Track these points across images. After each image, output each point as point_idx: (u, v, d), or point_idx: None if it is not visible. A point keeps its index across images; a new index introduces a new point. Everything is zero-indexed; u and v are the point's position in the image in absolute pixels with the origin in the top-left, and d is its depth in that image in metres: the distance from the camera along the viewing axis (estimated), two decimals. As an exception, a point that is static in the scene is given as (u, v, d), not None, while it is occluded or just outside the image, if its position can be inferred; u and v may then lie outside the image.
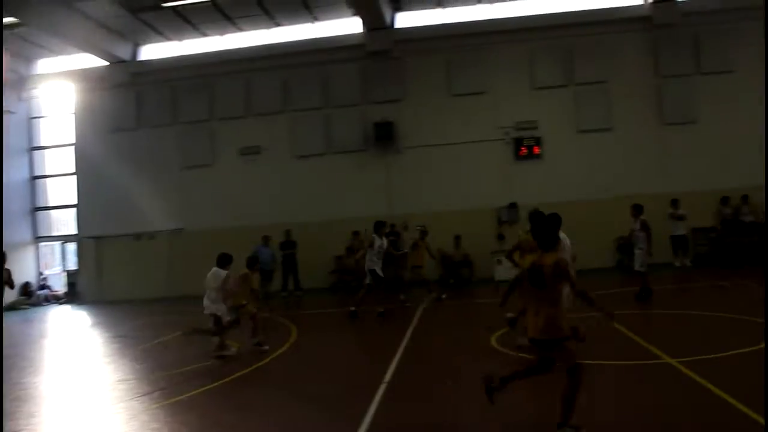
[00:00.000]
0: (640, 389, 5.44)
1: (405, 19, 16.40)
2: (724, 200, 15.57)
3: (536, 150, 15.78)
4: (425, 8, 16.21)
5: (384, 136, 15.95)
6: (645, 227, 10.08)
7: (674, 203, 14.80)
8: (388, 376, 6.25)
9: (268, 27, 16.86)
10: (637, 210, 10.23)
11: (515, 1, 16.01)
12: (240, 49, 16.97)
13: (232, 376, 6.88)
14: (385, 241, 10.69)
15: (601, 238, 15.53)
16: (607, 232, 15.53)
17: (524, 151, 15.77)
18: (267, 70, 16.79)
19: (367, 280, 10.47)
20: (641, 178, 15.62)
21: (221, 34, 17.16)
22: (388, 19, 15.92)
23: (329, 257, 16.33)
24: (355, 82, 16.52)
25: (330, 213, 16.21)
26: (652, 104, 15.92)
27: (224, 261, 8.11)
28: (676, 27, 15.70)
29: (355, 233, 16.06)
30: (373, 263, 10.28)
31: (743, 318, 7.87)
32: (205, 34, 17.18)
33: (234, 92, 17.06)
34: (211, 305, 7.83)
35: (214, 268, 8.11)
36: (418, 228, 12.95)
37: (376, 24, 15.79)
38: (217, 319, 7.86)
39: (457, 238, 15.57)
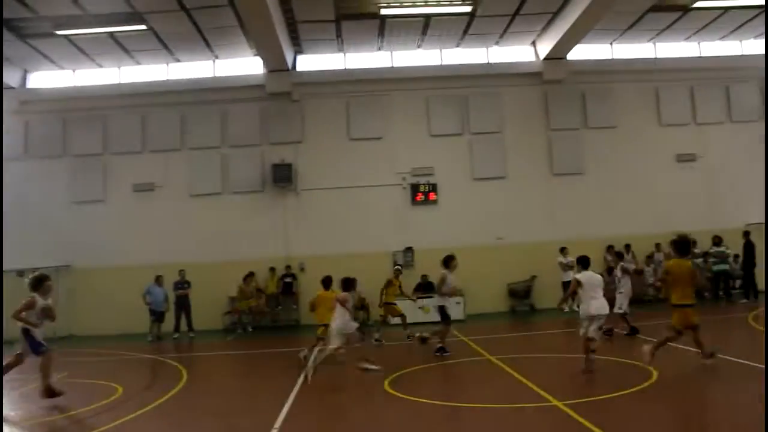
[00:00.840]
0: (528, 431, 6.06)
1: (306, 62, 17.64)
2: (609, 248, 17.59)
3: (432, 196, 17.23)
4: (326, 53, 17.52)
5: (282, 177, 17.05)
6: (626, 271, 11.24)
7: (563, 251, 16.69)
8: (278, 424, 6.44)
9: (167, 62, 17.75)
10: (617, 256, 11.40)
11: (414, 51, 17.64)
12: (137, 83, 17.72)
13: (116, 423, 6.95)
14: (452, 277, 11.06)
15: (494, 283, 17.07)
16: (500, 277, 17.14)
17: (420, 196, 17.23)
18: (164, 105, 17.55)
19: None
20: (533, 226, 17.35)
21: (118, 66, 17.89)
22: (289, 61, 17.11)
23: (224, 298, 17.15)
24: (255, 123, 17.49)
25: (225, 253, 16.95)
26: (543, 155, 17.71)
27: (349, 284, 9.52)
28: (565, 84, 17.67)
29: (250, 274, 17.03)
30: (444, 300, 10.99)
31: (624, 361, 8.90)
32: (100, 66, 17.83)
33: (129, 127, 17.66)
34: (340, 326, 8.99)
35: (343, 293, 9.30)
36: (397, 266, 13.93)
37: (278, 66, 16.97)
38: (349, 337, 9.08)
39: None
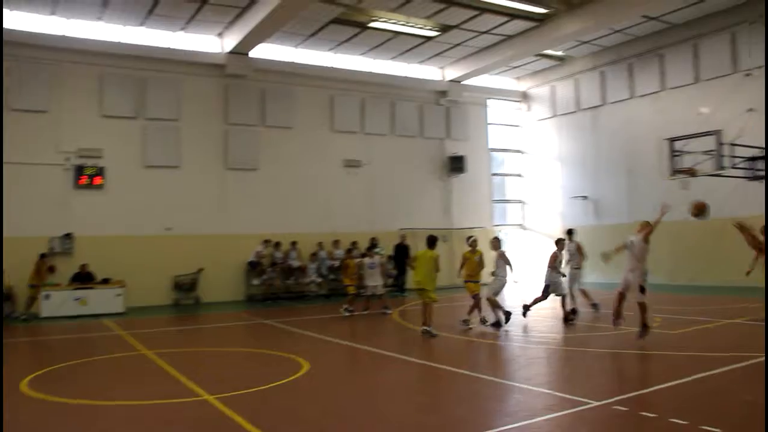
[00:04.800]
0: (173, 428, 7.30)
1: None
2: (277, 245, 24.35)
3: (98, 180, 21.67)
4: (-14, 8, 20.67)
5: None
6: (505, 257, 15.20)
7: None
8: None
9: None
10: (497, 243, 15.44)
11: (93, 22, 21.79)
12: None
13: None
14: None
15: (160, 274, 22.34)
16: (165, 269, 22.49)
17: (85, 179, 21.58)
18: None
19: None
20: (203, 218, 23.16)
21: None
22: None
23: None
24: None
25: None
26: (219, 148, 23.64)
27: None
28: (247, 80, 23.92)
29: None
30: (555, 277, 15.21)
31: (275, 354, 11.62)
32: None
33: None
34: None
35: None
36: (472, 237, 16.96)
37: None
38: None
39: (-1, 268, 20.19)
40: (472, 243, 15.28)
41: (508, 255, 14.94)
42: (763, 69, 21.49)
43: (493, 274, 14.89)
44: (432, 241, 14.16)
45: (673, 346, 9.96)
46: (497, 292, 14.72)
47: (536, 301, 15.33)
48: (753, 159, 20.41)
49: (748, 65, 22.10)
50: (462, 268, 15.05)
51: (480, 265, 14.96)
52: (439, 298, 14.51)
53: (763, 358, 9.94)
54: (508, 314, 14.66)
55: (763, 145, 20.26)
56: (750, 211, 21.02)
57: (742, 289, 19.14)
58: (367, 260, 18.55)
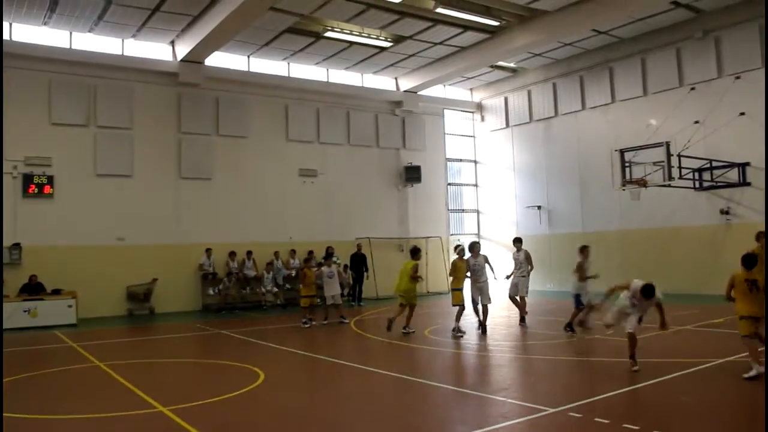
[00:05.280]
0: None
1: None
2: (232, 254, 24.07)
3: (47, 189, 21.19)
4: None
5: None
6: (487, 261, 15.33)
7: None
8: None
9: None
10: (477, 247, 15.44)
11: (39, 27, 21.10)
12: None
13: None
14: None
15: (113, 285, 21.79)
16: (119, 279, 22.00)
17: (33, 188, 21.07)
18: None
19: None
20: (156, 228, 22.81)
21: None
22: None
23: None
24: None
25: None
26: (172, 157, 23.30)
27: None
28: (200, 88, 23.64)
29: None
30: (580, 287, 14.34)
31: (231, 364, 11.69)
32: None
33: None
34: None
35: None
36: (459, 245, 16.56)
37: None
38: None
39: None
40: (461, 251, 15.31)
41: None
42: (705, 84, 22.19)
43: (475, 281, 15.05)
44: (413, 252, 15.37)
45: (626, 353, 10.07)
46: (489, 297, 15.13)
47: (575, 315, 14.45)
48: (700, 170, 20.98)
49: (693, 80, 22.68)
50: (455, 275, 15.01)
51: (466, 273, 15.04)
52: (392, 306, 14.56)
53: (712, 363, 10.19)
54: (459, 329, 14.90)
55: (709, 158, 20.84)
56: (698, 221, 21.60)
57: (689, 297, 19.57)
58: (326, 269, 18.47)
